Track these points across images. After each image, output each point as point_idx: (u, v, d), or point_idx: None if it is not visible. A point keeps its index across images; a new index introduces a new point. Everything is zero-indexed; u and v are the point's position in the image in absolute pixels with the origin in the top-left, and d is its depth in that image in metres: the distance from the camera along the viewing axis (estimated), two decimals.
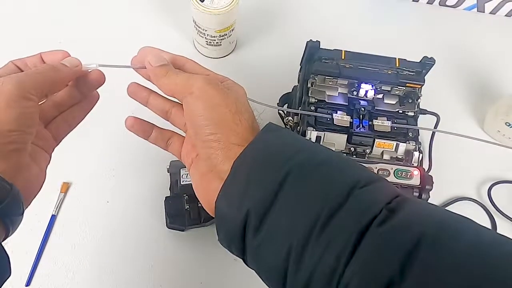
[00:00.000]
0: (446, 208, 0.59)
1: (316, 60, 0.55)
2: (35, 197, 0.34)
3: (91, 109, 0.40)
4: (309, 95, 0.54)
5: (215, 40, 0.66)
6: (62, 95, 0.38)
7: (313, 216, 0.27)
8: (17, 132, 0.31)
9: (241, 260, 0.55)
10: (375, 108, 0.55)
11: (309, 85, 0.55)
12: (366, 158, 0.52)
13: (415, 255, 0.24)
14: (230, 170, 0.30)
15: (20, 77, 0.32)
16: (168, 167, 0.56)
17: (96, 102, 0.40)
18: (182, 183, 0.54)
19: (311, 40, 0.55)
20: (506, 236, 0.26)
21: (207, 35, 0.65)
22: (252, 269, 0.31)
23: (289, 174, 0.28)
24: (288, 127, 0.56)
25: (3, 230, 0.30)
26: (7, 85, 0.31)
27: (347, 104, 0.55)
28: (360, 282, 0.25)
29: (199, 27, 0.64)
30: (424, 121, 0.58)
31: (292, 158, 0.29)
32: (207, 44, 0.67)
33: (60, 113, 0.38)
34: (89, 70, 0.37)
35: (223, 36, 0.65)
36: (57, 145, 0.38)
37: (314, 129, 0.52)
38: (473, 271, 0.24)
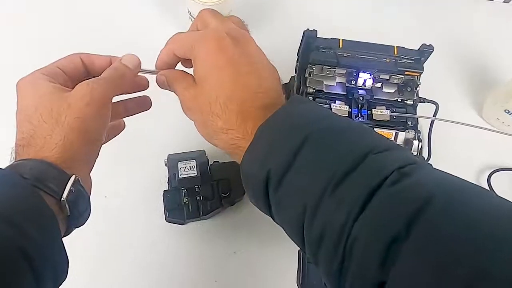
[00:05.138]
0: None
1: (313, 50, 0.54)
2: None
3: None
4: (307, 85, 0.54)
5: None
6: None
7: (327, 176, 0.28)
8: (98, 140, 0.33)
9: (240, 253, 0.56)
10: (374, 97, 0.54)
11: (306, 75, 0.54)
12: None
13: (422, 214, 0.25)
14: (255, 134, 0.31)
15: (104, 86, 0.34)
16: (165, 160, 0.56)
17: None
18: (180, 176, 0.54)
19: (308, 29, 0.54)
20: None
21: None
22: (278, 224, 0.33)
23: (308, 137, 0.30)
24: None
25: (63, 233, 0.32)
26: (97, 93, 0.32)
27: (345, 93, 0.54)
28: (366, 236, 0.26)
29: (194, 18, 0.63)
30: (423, 110, 0.58)
31: (313, 124, 0.31)
32: None
33: None
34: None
35: None
36: None
37: None
38: (482, 231, 0.24)
